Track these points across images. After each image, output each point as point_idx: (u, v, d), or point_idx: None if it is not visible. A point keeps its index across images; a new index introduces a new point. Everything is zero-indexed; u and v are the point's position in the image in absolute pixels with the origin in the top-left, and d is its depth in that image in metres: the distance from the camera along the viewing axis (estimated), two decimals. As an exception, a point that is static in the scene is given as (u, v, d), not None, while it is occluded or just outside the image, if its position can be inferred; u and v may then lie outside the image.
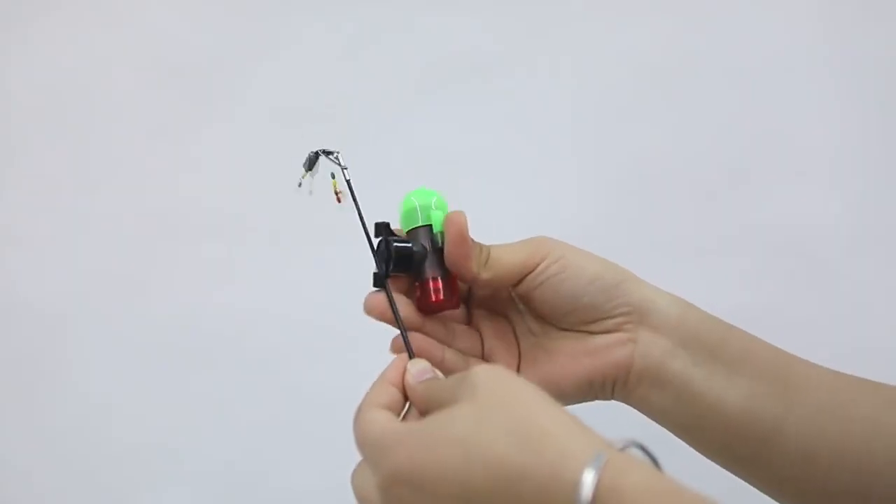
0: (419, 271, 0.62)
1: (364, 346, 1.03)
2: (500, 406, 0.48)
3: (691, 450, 0.62)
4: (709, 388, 0.60)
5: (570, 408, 0.50)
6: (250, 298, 1.11)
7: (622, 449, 0.47)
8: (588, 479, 0.44)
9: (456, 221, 0.61)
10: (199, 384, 1.10)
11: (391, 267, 0.61)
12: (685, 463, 0.51)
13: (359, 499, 0.52)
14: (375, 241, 0.62)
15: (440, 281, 0.62)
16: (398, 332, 0.61)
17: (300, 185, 0.64)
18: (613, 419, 0.58)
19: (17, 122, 1.14)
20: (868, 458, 0.59)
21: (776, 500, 0.63)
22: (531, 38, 1.12)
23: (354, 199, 0.62)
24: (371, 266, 0.62)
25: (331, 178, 0.63)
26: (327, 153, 0.64)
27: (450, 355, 0.62)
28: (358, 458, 0.53)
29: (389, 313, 0.60)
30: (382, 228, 0.62)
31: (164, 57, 1.14)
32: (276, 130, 1.12)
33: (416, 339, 0.61)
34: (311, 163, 0.64)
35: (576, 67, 1.12)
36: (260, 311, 1.11)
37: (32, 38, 1.13)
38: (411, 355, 0.59)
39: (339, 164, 0.63)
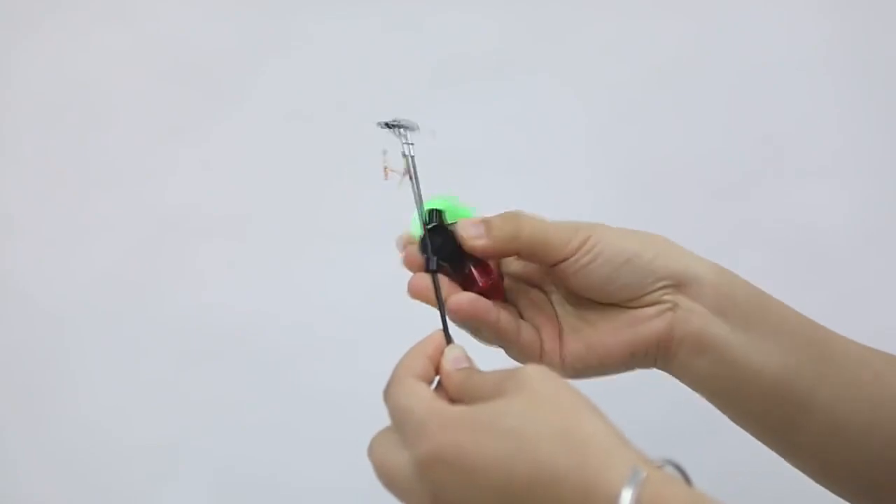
0: (460, 264, 0.62)
1: (364, 347, 1.03)
2: (547, 406, 0.48)
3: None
4: (746, 354, 0.61)
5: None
6: (252, 299, 1.11)
7: (660, 467, 0.47)
8: (627, 495, 0.44)
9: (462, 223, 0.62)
10: (200, 384, 1.10)
11: (441, 249, 0.61)
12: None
13: (378, 467, 0.51)
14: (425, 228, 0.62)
15: (483, 265, 0.62)
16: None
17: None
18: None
19: (16, 123, 1.13)
20: None
21: (806, 473, 0.64)
22: (543, 37, 1.12)
23: (415, 176, 0.62)
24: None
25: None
26: (392, 126, 0.63)
27: (504, 316, 0.62)
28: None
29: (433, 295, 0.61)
30: (436, 215, 0.62)
31: (169, 56, 1.13)
32: (282, 130, 1.12)
33: (469, 298, 0.61)
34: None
35: (587, 67, 1.12)
36: (262, 312, 1.11)
37: (32, 37, 1.13)
38: (449, 340, 0.57)
39: (404, 139, 0.63)
